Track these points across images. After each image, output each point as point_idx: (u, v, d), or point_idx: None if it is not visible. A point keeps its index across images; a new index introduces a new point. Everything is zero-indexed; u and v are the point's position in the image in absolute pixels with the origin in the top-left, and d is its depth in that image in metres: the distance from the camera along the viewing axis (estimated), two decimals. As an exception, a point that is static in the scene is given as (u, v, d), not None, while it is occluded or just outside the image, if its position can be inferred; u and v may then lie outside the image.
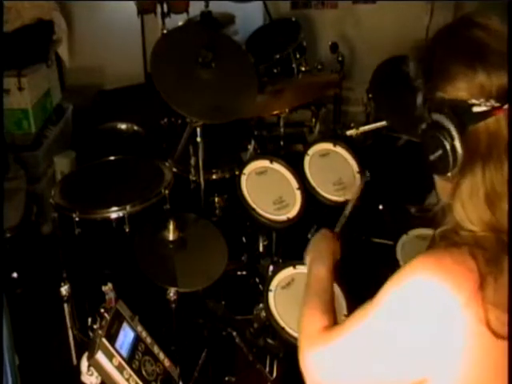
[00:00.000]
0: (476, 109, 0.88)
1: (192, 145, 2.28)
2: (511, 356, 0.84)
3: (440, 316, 0.86)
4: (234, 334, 2.07)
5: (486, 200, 0.88)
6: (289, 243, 2.17)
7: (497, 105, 0.87)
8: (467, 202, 0.90)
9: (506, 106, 0.87)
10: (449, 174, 0.93)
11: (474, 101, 0.88)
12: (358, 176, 2.13)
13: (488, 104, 0.87)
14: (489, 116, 0.88)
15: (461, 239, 0.90)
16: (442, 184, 0.99)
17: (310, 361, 1.02)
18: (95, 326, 1.53)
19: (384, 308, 0.91)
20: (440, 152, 0.92)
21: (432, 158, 0.94)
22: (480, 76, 0.88)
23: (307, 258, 1.51)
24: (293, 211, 1.98)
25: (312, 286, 1.26)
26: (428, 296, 0.87)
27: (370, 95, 2.61)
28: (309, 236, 2.10)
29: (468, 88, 0.89)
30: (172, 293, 1.79)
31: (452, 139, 0.90)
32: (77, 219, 1.99)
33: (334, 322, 1.11)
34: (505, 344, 0.84)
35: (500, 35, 0.91)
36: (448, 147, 0.90)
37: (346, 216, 1.75)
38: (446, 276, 0.86)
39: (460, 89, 0.90)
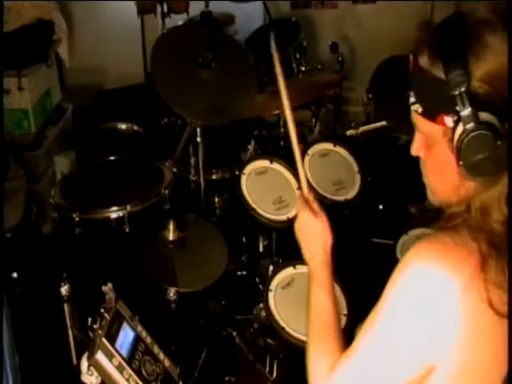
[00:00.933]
0: None
1: (192, 145, 2.28)
2: (511, 347, 0.85)
3: (442, 300, 0.86)
4: (234, 334, 2.07)
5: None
6: (289, 243, 2.17)
7: None
8: (496, 198, 0.88)
9: None
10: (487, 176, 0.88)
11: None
12: (358, 176, 2.14)
13: None
14: None
15: (466, 220, 0.90)
16: (450, 179, 0.93)
17: None
18: (95, 326, 1.53)
19: (389, 306, 0.92)
20: (485, 154, 0.85)
21: (473, 159, 0.86)
22: None
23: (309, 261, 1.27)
24: (293, 211, 1.98)
25: (315, 313, 1.13)
26: (428, 282, 0.87)
27: (370, 95, 2.61)
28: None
29: (504, 80, 0.83)
30: (172, 293, 1.79)
31: (501, 137, 0.84)
32: (77, 219, 1.99)
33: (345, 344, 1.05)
34: (506, 322, 0.85)
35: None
36: (495, 148, 0.84)
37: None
38: (444, 260, 0.86)
39: (499, 81, 0.83)
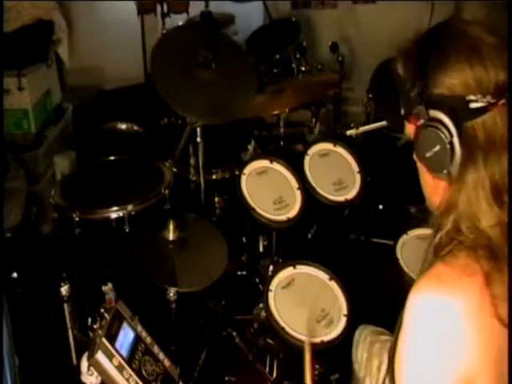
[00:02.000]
0: (473, 105, 0.88)
1: (192, 145, 2.28)
2: (511, 353, 0.85)
3: (449, 326, 0.87)
4: (234, 334, 2.07)
5: (492, 191, 0.88)
6: (289, 243, 2.17)
7: (493, 101, 0.87)
8: (474, 196, 0.89)
9: (502, 102, 0.87)
10: (444, 171, 0.92)
11: (471, 97, 0.88)
12: (358, 176, 2.14)
13: (485, 100, 0.87)
14: (485, 112, 0.88)
15: (460, 242, 0.90)
16: (427, 180, 1.00)
17: None
18: (95, 326, 1.53)
19: (411, 340, 0.92)
20: (437, 148, 0.91)
21: (428, 154, 0.94)
22: (477, 71, 0.88)
23: None
24: (293, 211, 1.99)
25: None
26: (433, 310, 0.87)
27: (370, 95, 2.61)
28: (309, 236, 2.11)
29: (465, 83, 0.88)
30: (172, 293, 1.79)
31: (451, 136, 0.90)
32: (77, 219, 1.99)
33: None
34: None
35: (494, 31, 0.91)
36: (447, 144, 0.90)
37: None
38: (445, 287, 0.87)
39: (456, 85, 0.89)
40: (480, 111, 0.88)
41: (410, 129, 1.00)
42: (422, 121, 0.94)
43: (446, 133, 0.90)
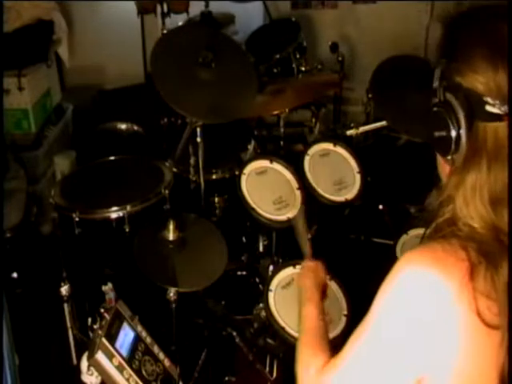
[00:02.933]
0: (489, 108, 0.85)
1: (192, 145, 2.28)
2: (511, 354, 0.84)
3: (434, 305, 0.86)
4: (234, 334, 2.07)
5: (490, 198, 0.87)
6: (289, 243, 2.17)
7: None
8: (470, 197, 0.88)
9: None
10: (448, 157, 0.92)
11: (489, 99, 0.85)
12: (358, 176, 2.14)
13: (502, 109, 0.84)
14: (499, 120, 0.85)
15: (454, 231, 0.90)
16: (441, 161, 0.98)
17: None
18: (95, 326, 1.53)
19: (381, 311, 0.91)
20: (444, 133, 0.90)
21: (436, 135, 0.92)
22: (500, 76, 0.85)
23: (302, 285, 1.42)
24: (293, 211, 1.98)
25: (306, 326, 1.23)
26: (420, 286, 0.86)
27: (370, 95, 2.61)
28: (308, 236, 2.09)
29: (486, 84, 0.86)
30: (172, 293, 1.79)
31: (459, 126, 0.88)
32: (77, 219, 1.99)
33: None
34: (497, 334, 0.84)
35: None
36: (453, 132, 0.89)
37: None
38: (436, 265, 0.86)
39: (478, 81, 0.86)
40: (495, 117, 0.85)
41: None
42: (436, 99, 0.92)
43: (455, 123, 0.89)
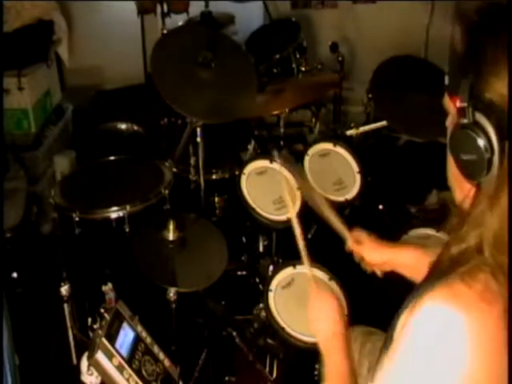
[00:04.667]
0: None
1: (192, 145, 2.28)
2: (511, 355, 0.81)
3: (460, 349, 0.80)
4: (234, 334, 2.07)
5: None
6: (289, 243, 2.17)
7: None
8: (505, 223, 0.81)
9: None
10: (475, 182, 0.86)
11: None
12: (358, 176, 2.14)
13: None
14: None
15: (480, 264, 0.83)
16: (458, 177, 0.90)
17: None
18: (95, 326, 1.53)
19: (407, 345, 0.85)
20: (474, 157, 0.83)
21: (463, 157, 0.85)
22: None
23: (317, 336, 1.31)
24: (295, 209, 1.98)
25: (331, 372, 1.18)
26: (449, 327, 0.80)
27: (370, 95, 2.61)
28: (309, 236, 2.10)
29: None
30: (172, 293, 1.79)
31: (492, 151, 0.81)
32: (77, 219, 1.99)
33: None
34: None
35: None
36: (485, 157, 0.82)
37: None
38: (461, 305, 0.80)
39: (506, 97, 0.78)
40: None
41: (447, 102, 0.92)
42: (465, 120, 0.84)
43: (488, 148, 0.81)
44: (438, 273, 0.88)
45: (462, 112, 0.85)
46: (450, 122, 0.94)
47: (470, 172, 0.86)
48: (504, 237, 0.81)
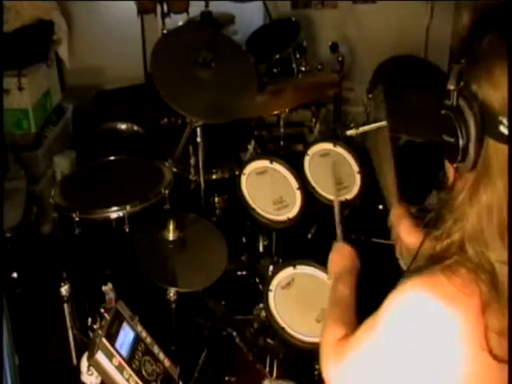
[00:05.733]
0: (503, 129, 0.78)
1: (192, 145, 2.28)
2: (511, 359, 0.81)
3: (439, 338, 0.82)
4: (234, 334, 2.07)
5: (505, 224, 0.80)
6: (289, 243, 2.17)
7: None
8: (487, 218, 0.82)
9: None
10: (454, 165, 0.87)
11: (504, 120, 0.78)
12: (358, 176, 2.13)
13: None
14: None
15: (463, 260, 0.84)
16: (448, 164, 0.92)
17: (331, 375, 1.02)
18: (95, 326, 1.53)
19: (385, 326, 0.89)
20: (452, 141, 0.85)
21: (445, 139, 0.87)
22: None
23: (330, 278, 1.48)
24: (293, 211, 1.98)
25: (335, 301, 1.26)
26: (428, 315, 0.82)
27: (370, 95, 2.61)
28: (309, 236, 2.10)
29: (503, 102, 0.78)
30: (172, 293, 1.79)
31: (468, 138, 0.82)
32: (77, 219, 1.99)
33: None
34: (505, 366, 0.80)
35: None
36: (460, 144, 0.83)
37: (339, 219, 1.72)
38: (441, 295, 0.81)
39: (495, 98, 0.79)
40: (506, 140, 0.78)
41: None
42: (448, 101, 0.86)
43: (464, 133, 0.83)
44: (425, 262, 0.90)
45: (448, 94, 0.86)
46: None
47: (448, 154, 0.88)
48: (482, 231, 0.82)
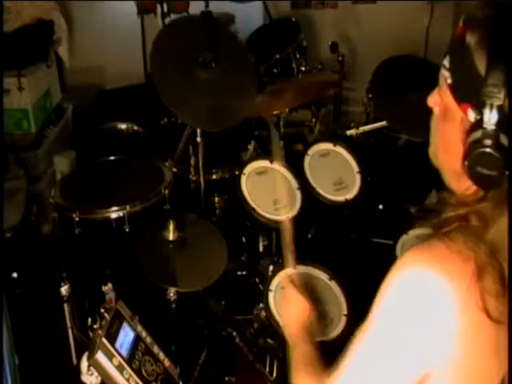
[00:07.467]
0: None
1: (192, 145, 2.28)
2: (511, 354, 0.83)
3: (437, 305, 0.85)
4: (234, 334, 2.07)
5: None
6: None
7: None
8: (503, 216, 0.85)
9: None
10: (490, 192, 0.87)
11: None
12: (358, 176, 2.14)
13: None
14: None
15: (462, 226, 0.87)
16: (453, 166, 0.91)
17: None
18: (95, 326, 1.53)
19: (381, 313, 0.90)
20: (494, 173, 0.84)
21: (483, 172, 0.85)
22: None
23: (286, 329, 1.40)
24: (293, 211, 1.98)
25: (305, 362, 1.21)
26: (421, 286, 0.86)
27: (370, 95, 2.61)
28: (309, 236, 2.10)
29: None
30: (172, 293, 1.79)
31: (509, 169, 0.82)
32: (77, 219, 1.99)
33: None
34: (505, 327, 0.83)
35: None
36: (505, 173, 0.83)
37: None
38: (438, 266, 0.85)
39: None
40: None
41: (449, 100, 0.90)
42: (489, 141, 0.83)
43: (509, 166, 0.82)
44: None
45: (478, 125, 0.84)
46: (434, 103, 0.95)
47: (486, 184, 0.87)
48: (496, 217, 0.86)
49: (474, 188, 0.89)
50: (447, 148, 0.94)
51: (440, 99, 0.93)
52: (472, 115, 0.86)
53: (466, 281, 0.84)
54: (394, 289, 0.89)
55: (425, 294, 0.86)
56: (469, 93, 0.86)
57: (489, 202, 0.88)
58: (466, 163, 0.86)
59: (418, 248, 0.89)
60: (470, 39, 0.85)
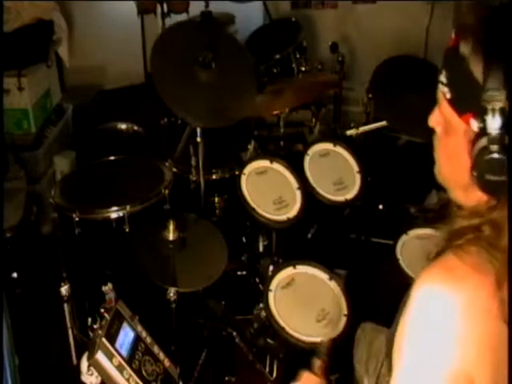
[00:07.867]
0: None
1: (192, 145, 2.28)
2: (511, 353, 0.83)
3: (459, 323, 0.84)
4: (234, 334, 2.07)
5: None
6: (289, 243, 2.17)
7: None
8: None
9: None
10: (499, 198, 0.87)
11: None
12: (358, 176, 2.14)
13: None
14: None
15: (476, 237, 0.86)
16: (461, 180, 0.91)
17: None
18: (95, 326, 1.53)
19: (411, 338, 0.88)
20: (503, 178, 0.83)
21: (491, 178, 0.84)
22: None
23: None
24: (293, 211, 1.99)
25: None
26: (442, 306, 0.84)
27: (370, 95, 2.61)
28: (309, 236, 2.11)
29: None
30: (172, 293, 1.79)
31: None
32: (77, 219, 1.99)
33: None
34: None
35: None
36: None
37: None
38: (455, 283, 0.84)
39: None
40: None
41: (450, 115, 0.90)
42: (495, 146, 0.83)
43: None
44: (438, 249, 0.92)
45: (482, 133, 0.84)
46: (436, 122, 0.95)
47: (497, 191, 0.86)
48: (503, 224, 0.84)
49: (484, 198, 0.89)
50: (452, 163, 0.94)
51: (441, 117, 0.93)
52: (475, 124, 0.86)
53: (484, 292, 0.83)
54: (415, 309, 0.88)
55: (446, 311, 0.84)
56: (469, 102, 0.86)
57: (500, 209, 0.87)
58: (474, 173, 0.86)
59: (435, 266, 0.88)
60: (464, 48, 0.85)
